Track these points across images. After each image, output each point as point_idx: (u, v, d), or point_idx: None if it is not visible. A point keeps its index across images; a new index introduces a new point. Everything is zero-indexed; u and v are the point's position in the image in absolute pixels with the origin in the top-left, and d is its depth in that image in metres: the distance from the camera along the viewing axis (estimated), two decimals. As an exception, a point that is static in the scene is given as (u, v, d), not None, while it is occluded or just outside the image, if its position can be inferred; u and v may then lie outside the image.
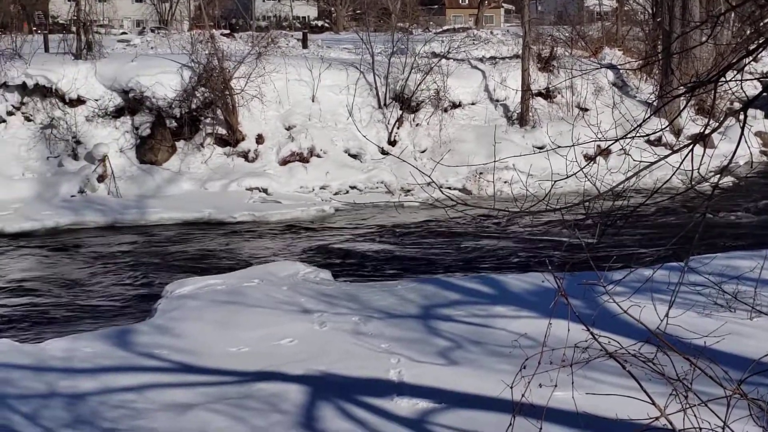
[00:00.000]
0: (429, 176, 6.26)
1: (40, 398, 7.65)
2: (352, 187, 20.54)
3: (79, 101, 20.81)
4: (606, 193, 5.30)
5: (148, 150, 20.58)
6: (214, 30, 25.40)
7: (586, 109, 23.38)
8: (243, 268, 13.35)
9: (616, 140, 5.23)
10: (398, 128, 22.06)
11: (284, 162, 20.87)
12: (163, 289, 11.93)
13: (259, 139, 21.13)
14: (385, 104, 22.40)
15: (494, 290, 11.10)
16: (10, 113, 20.81)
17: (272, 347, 9.13)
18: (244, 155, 20.89)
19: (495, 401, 6.95)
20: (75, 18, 24.02)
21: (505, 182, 19.22)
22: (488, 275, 12.57)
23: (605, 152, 19.20)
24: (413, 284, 11.62)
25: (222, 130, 20.98)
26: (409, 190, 20.03)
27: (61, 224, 17.64)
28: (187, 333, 9.62)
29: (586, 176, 5.34)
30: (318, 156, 21.06)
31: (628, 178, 5.17)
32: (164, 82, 20.64)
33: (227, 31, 35.39)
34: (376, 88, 22.49)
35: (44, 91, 20.79)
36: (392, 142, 21.81)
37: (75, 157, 20.16)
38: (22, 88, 20.86)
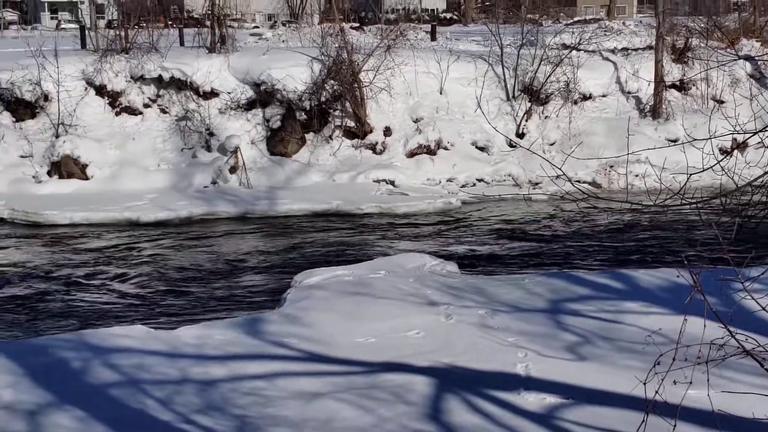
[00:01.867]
0: (560, 169, 6.17)
1: (173, 384, 7.82)
2: (479, 180, 20.44)
3: (213, 94, 21.23)
4: (744, 187, 5.14)
5: (279, 142, 20.87)
6: (343, 23, 25.58)
7: (722, 102, 22.75)
8: (370, 260, 13.42)
9: (755, 133, 5.07)
10: (526, 121, 21.86)
11: (411, 154, 20.91)
12: (292, 279, 12.07)
13: (387, 131, 21.21)
14: (513, 96, 22.23)
15: (624, 285, 10.90)
16: (146, 105, 21.38)
17: (399, 338, 9.14)
18: (372, 147, 21.00)
19: (625, 398, 6.83)
20: (209, 12, 24.51)
21: (637, 176, 18.84)
22: (618, 270, 12.36)
23: (742, 146, 18.68)
24: (541, 278, 11.50)
25: (350, 123, 21.12)
26: (537, 183, 19.84)
27: (195, 214, 18.03)
28: (315, 323, 9.71)
29: (723, 170, 5.19)
30: (445, 148, 21.02)
31: (767, 172, 5.01)
32: (295, 75, 20.89)
33: (357, 24, 35.62)
34: (505, 81, 22.34)
35: (179, 84, 21.28)
36: (520, 135, 21.63)
37: (208, 148, 20.58)
38: (158, 81, 21.39)
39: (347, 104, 21.08)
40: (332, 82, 20.97)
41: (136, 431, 6.77)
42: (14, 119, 20.72)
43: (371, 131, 21.09)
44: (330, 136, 21.02)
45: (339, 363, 8.45)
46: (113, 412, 7.16)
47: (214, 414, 7.14)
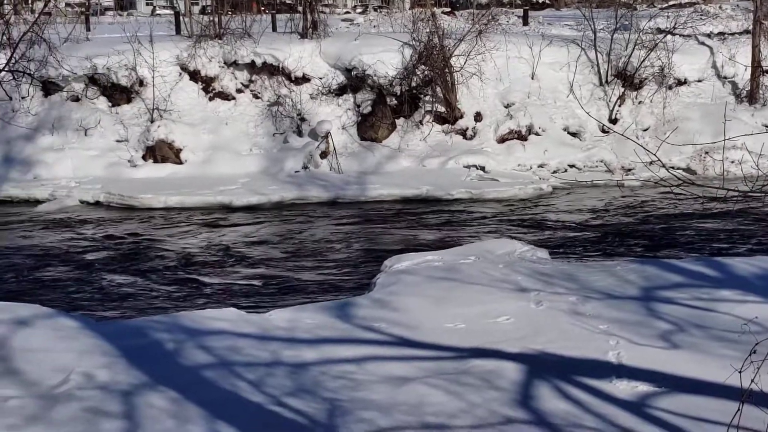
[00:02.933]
0: (654, 154, 6.07)
1: (264, 366, 7.91)
2: (571, 166, 20.25)
3: (304, 79, 21.37)
4: None
5: (369, 127, 20.93)
6: (435, 8, 25.51)
7: (822, 86, 22.15)
8: (459, 245, 13.40)
9: None
10: (620, 106, 21.56)
11: (502, 140, 20.79)
12: (381, 264, 12.11)
13: (478, 116, 21.11)
14: (606, 81, 21.93)
15: (719, 273, 10.70)
16: (239, 91, 21.61)
17: (488, 324, 9.12)
18: (462, 133, 20.93)
19: (719, 387, 6.71)
20: (301, -2, 24.64)
21: (733, 162, 18.50)
22: (713, 258, 12.13)
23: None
24: (633, 265, 11.35)
25: (441, 108, 21.08)
26: (630, 169, 19.57)
27: (286, 199, 18.19)
28: (404, 307, 9.73)
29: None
30: (536, 134, 20.85)
31: None
32: (386, 60, 20.90)
33: (448, 9, 35.49)
34: (598, 65, 22.05)
35: (271, 70, 21.46)
36: (613, 120, 21.34)
37: (299, 133, 20.73)
38: (251, 67, 21.60)
39: (438, 89, 21.03)
40: (423, 67, 20.93)
41: (229, 412, 6.86)
42: (110, 104, 21.13)
43: (462, 116, 21.02)
44: (420, 122, 21.00)
45: (428, 348, 8.45)
46: (206, 393, 7.27)
47: (304, 396, 7.20)
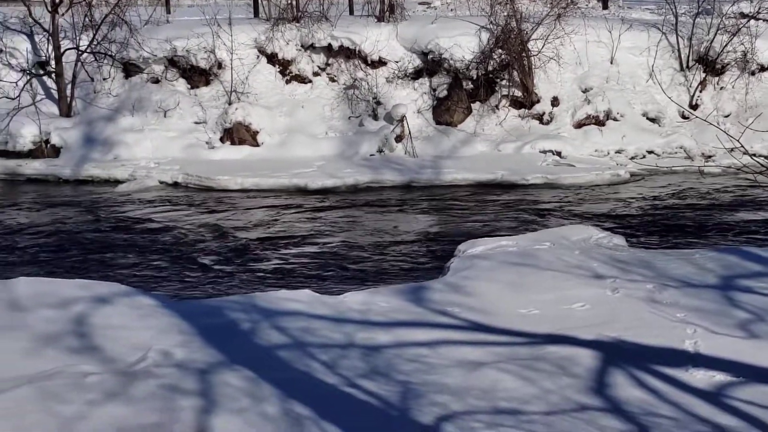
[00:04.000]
0: (737, 140, 5.97)
1: (338, 348, 7.97)
2: (649, 152, 19.97)
3: (380, 63, 21.37)
4: None
5: (444, 111, 20.87)
6: (512, -9, 25.31)
7: None
8: (535, 231, 13.33)
9: None
10: (700, 92, 21.21)
11: (579, 125, 20.59)
12: (455, 248, 12.11)
13: (555, 101, 20.93)
14: (687, 66, 21.58)
15: (802, 263, 10.50)
16: (316, 74, 21.69)
17: (563, 310, 9.07)
18: (539, 117, 20.77)
19: (799, 379, 6.60)
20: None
21: (817, 149, 18.10)
22: (795, 247, 11.91)
23: None
24: (713, 253, 11.19)
25: (517, 92, 20.94)
26: (710, 156, 19.26)
27: (361, 182, 18.24)
28: (478, 292, 9.73)
29: None
30: (614, 119, 20.61)
31: None
32: (462, 44, 20.80)
33: (525, -7, 35.24)
34: (678, 50, 21.70)
35: (348, 53, 21.49)
36: (694, 106, 21.00)
37: (375, 117, 20.76)
38: (328, 50, 21.66)
39: (515, 74, 20.88)
40: (500, 51, 20.80)
41: (303, 393, 6.92)
42: (189, 86, 21.35)
43: (538, 101, 20.85)
44: (496, 106, 20.89)
45: (501, 333, 8.44)
46: (281, 373, 7.34)
47: (378, 379, 7.24)
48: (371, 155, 19.71)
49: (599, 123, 20.54)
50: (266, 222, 15.73)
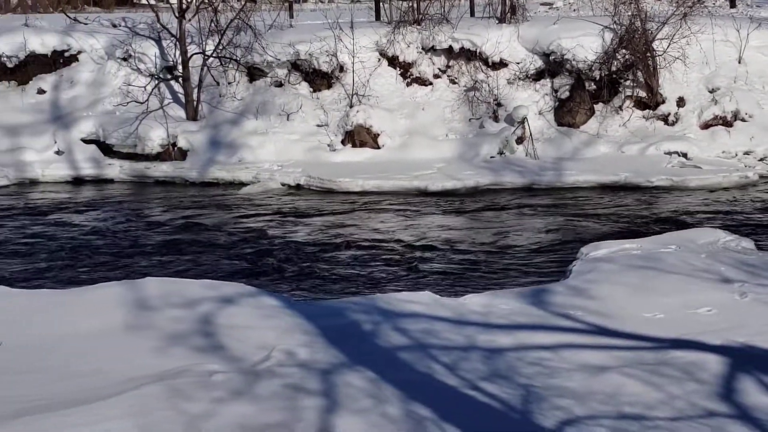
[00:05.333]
0: None
1: (459, 350, 7.95)
2: (780, 153, 19.42)
3: (501, 64, 21.27)
4: None
5: (567, 112, 20.66)
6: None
7: None
8: (659, 234, 13.08)
9: None
10: (834, 91, 20.53)
11: (705, 126, 20.14)
12: (577, 250, 11.97)
13: (680, 101, 20.52)
14: (819, 65, 20.92)
15: None
16: (436, 76, 21.72)
17: (689, 315, 8.88)
18: (664, 118, 20.39)
19: None
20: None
21: None
22: None
23: None
24: None
25: (641, 93, 20.60)
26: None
27: (481, 184, 18.19)
28: (601, 295, 9.59)
29: None
30: (742, 120, 20.09)
31: None
32: (585, 44, 20.56)
33: (650, -8, 34.67)
34: (811, 49, 21.04)
35: (469, 55, 21.45)
36: (826, 106, 20.35)
37: (495, 119, 20.68)
38: (449, 52, 21.66)
39: (639, 74, 20.54)
40: (624, 51, 20.49)
41: (424, 394, 6.93)
42: (311, 89, 21.62)
43: (663, 102, 20.47)
44: (620, 107, 20.58)
45: (625, 337, 8.31)
46: (402, 374, 7.37)
47: (499, 381, 7.20)
48: (492, 157, 19.63)
49: (727, 124, 20.05)
50: (386, 224, 15.81)
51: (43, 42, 22.78)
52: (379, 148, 20.41)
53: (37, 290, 10.66)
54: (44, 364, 7.76)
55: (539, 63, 21.20)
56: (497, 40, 21.25)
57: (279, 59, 21.56)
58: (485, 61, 21.34)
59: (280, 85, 21.71)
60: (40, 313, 9.07)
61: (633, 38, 20.53)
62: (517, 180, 18.28)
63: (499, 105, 20.80)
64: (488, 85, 21.00)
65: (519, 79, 21.19)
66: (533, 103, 20.70)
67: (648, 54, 20.42)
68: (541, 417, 6.61)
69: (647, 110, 20.50)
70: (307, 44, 21.52)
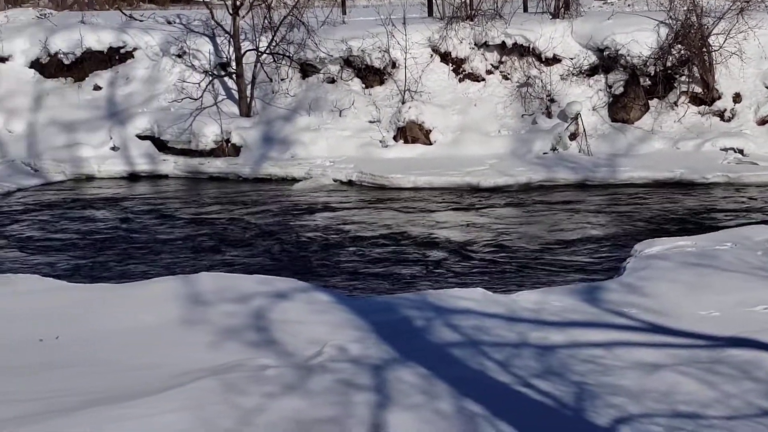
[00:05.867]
0: None
1: (511, 347, 7.94)
2: (839, 150, 19.11)
3: (555, 60, 21.13)
4: None
5: (621, 108, 20.49)
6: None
7: None
8: (714, 231, 12.95)
9: None
10: None
11: (762, 122, 19.87)
12: (631, 247, 11.90)
13: (736, 97, 20.26)
14: None
15: None
16: (489, 72, 21.64)
17: (745, 313, 8.79)
18: (720, 114, 20.15)
19: None
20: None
21: None
22: None
23: None
24: None
25: (697, 89, 20.38)
26: None
27: (534, 180, 18.10)
28: (655, 293, 9.53)
29: None
30: (801, 116, 19.81)
31: None
32: (640, 39, 20.36)
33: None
34: None
35: (521, 50, 21.35)
36: None
37: (548, 115, 20.56)
38: (501, 48, 21.57)
39: (694, 69, 20.32)
40: (679, 46, 20.27)
41: (476, 391, 6.93)
42: (364, 86, 21.64)
43: (719, 97, 20.22)
44: (675, 103, 20.37)
45: (680, 335, 8.24)
46: (454, 370, 7.37)
47: (552, 379, 7.18)
48: (544, 153, 19.53)
49: (785, 120, 19.78)
50: (438, 220, 15.80)
51: (99, 39, 23.03)
52: (430, 144, 20.38)
53: (94, 284, 10.82)
54: (101, 357, 7.88)
55: (593, 58, 21.05)
56: (551, 35, 21.12)
57: (331, 55, 21.61)
58: (538, 56, 21.23)
59: (332, 81, 21.76)
60: (96, 308, 9.21)
61: (688, 33, 20.31)
62: (570, 176, 18.18)
63: (552, 101, 20.69)
64: (541, 80, 20.90)
65: (572, 74, 21.05)
66: (587, 98, 20.56)
67: (704, 49, 20.19)
68: (595, 415, 6.57)
69: (703, 106, 20.27)
70: (360, 40, 21.55)
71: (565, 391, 6.95)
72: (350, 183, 18.81)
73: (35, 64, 23.19)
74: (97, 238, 15.13)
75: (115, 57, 23.06)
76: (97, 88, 22.70)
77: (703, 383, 7.03)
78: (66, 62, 22.98)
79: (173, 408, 6.54)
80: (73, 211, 17.17)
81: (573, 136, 19.79)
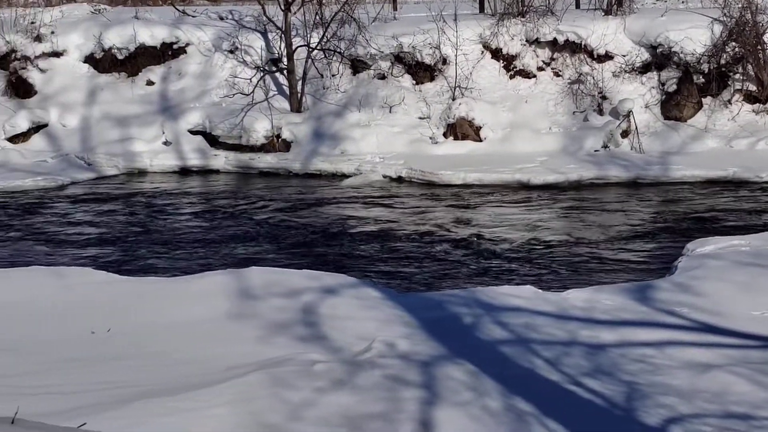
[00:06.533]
0: None
1: (561, 345, 7.90)
2: None
3: (607, 57, 20.97)
4: None
5: (673, 106, 20.29)
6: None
7: None
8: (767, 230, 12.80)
9: None
10: None
11: (818, 120, 19.61)
12: (683, 247, 11.78)
13: (792, 95, 19.99)
14: None
15: None
16: (540, 69, 21.52)
17: (800, 314, 8.69)
18: (775, 112, 19.90)
19: None
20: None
21: None
22: None
23: None
24: None
25: (751, 87, 20.13)
26: None
27: (584, 178, 17.98)
28: (707, 292, 9.43)
29: None
30: None
31: None
32: (693, 36, 20.15)
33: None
34: None
35: (573, 47, 21.22)
36: None
37: (600, 112, 20.41)
38: (553, 44, 21.46)
39: (749, 67, 20.07)
40: (733, 44, 20.03)
41: (525, 389, 6.90)
42: (414, 82, 21.62)
43: (774, 95, 19.96)
44: (729, 101, 20.13)
45: (732, 335, 8.16)
46: (503, 368, 7.35)
47: (602, 378, 7.14)
48: (596, 151, 19.39)
49: (841, 117, 19.48)
50: (487, 217, 15.75)
51: (152, 34, 23.24)
52: (480, 140, 20.32)
53: (145, 278, 10.92)
54: (151, 350, 7.95)
55: (646, 55, 20.86)
56: (603, 32, 20.97)
57: (382, 52, 21.62)
58: (590, 53, 21.08)
59: (383, 77, 21.77)
60: (147, 301, 9.29)
61: (743, 31, 20.07)
62: (621, 174, 18.04)
63: (603, 98, 20.53)
64: (593, 77, 20.75)
65: (625, 71, 20.88)
66: (639, 96, 20.38)
67: (759, 47, 19.93)
68: (645, 414, 6.52)
69: (757, 104, 20.02)
70: (411, 37, 21.53)
71: (615, 391, 6.91)
72: (399, 179, 18.81)
73: (89, 59, 23.45)
74: (148, 231, 15.26)
75: (168, 52, 23.26)
76: (150, 83, 22.90)
77: (756, 384, 6.95)
78: (120, 57, 23.21)
79: (222, 402, 6.58)
80: (125, 205, 17.34)
81: (625, 134, 19.63)
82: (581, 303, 9.19)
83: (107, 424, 5.85)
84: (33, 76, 23.04)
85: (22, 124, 21.90)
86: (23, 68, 23.09)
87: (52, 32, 23.47)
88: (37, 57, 23.19)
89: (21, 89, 22.95)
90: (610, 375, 7.21)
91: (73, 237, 14.98)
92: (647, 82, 20.69)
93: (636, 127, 19.56)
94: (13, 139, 21.76)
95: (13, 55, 23.32)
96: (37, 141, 21.79)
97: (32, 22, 23.76)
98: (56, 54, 23.36)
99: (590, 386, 6.99)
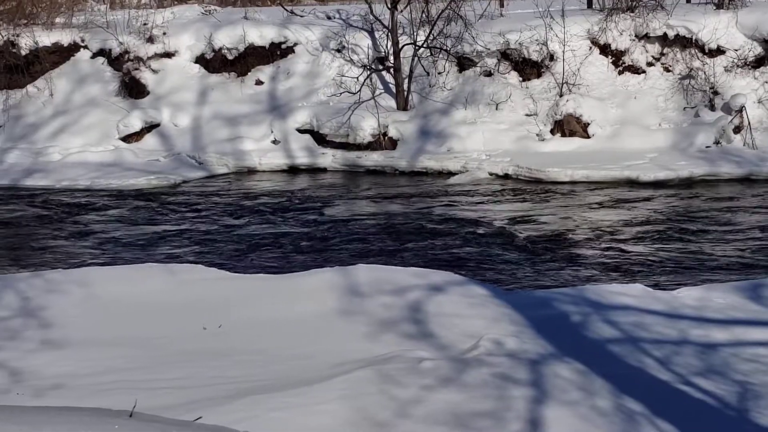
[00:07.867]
0: None
1: (672, 344, 7.78)
2: None
3: (719, 51, 20.55)
4: None
5: (789, 101, 19.81)
6: None
7: None
8: None
9: None
10: None
11: None
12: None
13: None
14: None
15: None
16: (649, 64, 21.20)
17: None
18: None
19: None
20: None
21: None
22: None
23: None
24: None
25: None
26: None
27: (695, 174, 17.67)
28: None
29: None
30: None
31: None
32: (809, 29, 19.64)
33: None
34: None
35: (684, 42, 20.84)
36: None
37: (711, 107, 20.02)
38: (663, 39, 21.12)
39: None
40: None
41: (635, 388, 6.82)
42: (521, 79, 21.51)
43: None
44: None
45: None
46: (612, 367, 7.27)
47: (713, 377, 7.01)
48: (707, 147, 19.03)
49: None
50: (596, 214, 15.59)
51: (261, 34, 23.57)
52: (588, 137, 20.11)
53: (254, 275, 11.09)
54: (261, 346, 8.07)
55: (759, 50, 20.38)
56: (714, 26, 20.55)
57: (489, 49, 21.56)
58: (701, 48, 20.68)
59: (489, 74, 21.70)
60: (257, 297, 9.43)
61: None
62: (734, 170, 17.67)
63: (715, 93, 20.13)
64: (704, 72, 20.35)
65: (737, 66, 20.43)
66: (752, 91, 19.92)
67: None
68: (759, 415, 6.40)
69: None
70: (517, 33, 21.43)
71: (727, 391, 6.78)
72: (506, 176, 18.74)
73: (200, 60, 23.89)
74: (255, 229, 15.48)
75: (277, 52, 23.56)
76: (258, 82, 23.23)
77: None
78: (229, 57, 23.60)
79: (331, 398, 6.65)
80: (235, 203, 17.63)
81: (737, 130, 19.22)
82: (693, 301, 9.03)
83: (222, 418, 5.96)
84: (146, 76, 23.58)
85: (136, 123, 22.43)
86: (136, 69, 23.65)
87: (164, 33, 23.98)
88: (149, 58, 23.73)
89: (134, 89, 23.52)
90: (722, 375, 7.08)
91: (183, 234, 15.29)
92: (760, 77, 20.21)
93: (749, 123, 19.14)
94: (127, 138, 22.31)
95: (126, 56, 23.91)
96: (149, 140, 22.29)
97: (145, 24, 24.32)
98: (168, 55, 23.86)
99: (702, 386, 6.88)
